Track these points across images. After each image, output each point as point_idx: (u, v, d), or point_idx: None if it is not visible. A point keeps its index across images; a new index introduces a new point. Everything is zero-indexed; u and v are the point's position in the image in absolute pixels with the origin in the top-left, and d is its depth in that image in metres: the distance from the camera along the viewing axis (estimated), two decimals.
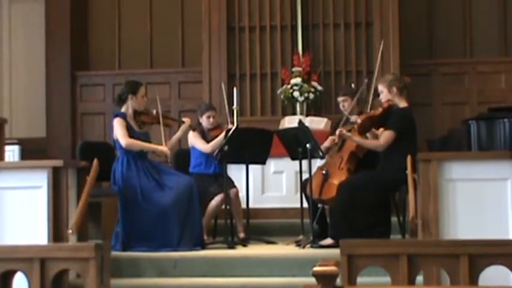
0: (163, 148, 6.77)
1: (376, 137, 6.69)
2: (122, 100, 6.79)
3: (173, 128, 7.39)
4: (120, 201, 6.62)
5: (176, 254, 6.26)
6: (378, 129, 6.69)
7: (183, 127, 7.03)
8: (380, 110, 6.58)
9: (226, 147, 6.79)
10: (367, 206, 6.36)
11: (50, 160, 6.13)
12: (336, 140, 6.77)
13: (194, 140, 7.33)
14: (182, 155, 7.71)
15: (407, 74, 7.43)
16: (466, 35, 9.95)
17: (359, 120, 6.59)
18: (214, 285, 5.79)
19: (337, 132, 6.67)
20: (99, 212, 6.88)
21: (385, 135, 6.49)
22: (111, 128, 6.80)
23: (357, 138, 6.64)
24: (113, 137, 6.78)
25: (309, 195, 6.78)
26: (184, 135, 7.25)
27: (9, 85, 10.34)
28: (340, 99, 7.25)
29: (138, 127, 6.82)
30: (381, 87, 6.62)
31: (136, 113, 6.80)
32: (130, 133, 6.68)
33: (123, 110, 6.78)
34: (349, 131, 6.71)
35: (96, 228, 6.88)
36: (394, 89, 6.56)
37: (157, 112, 6.88)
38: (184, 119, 7.18)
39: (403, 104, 6.59)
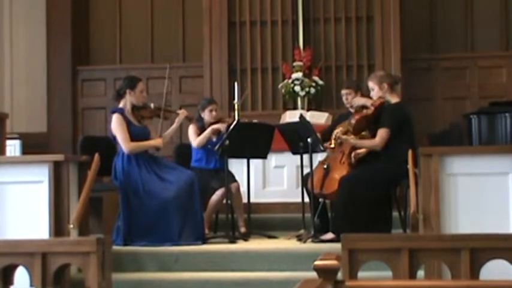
0: (157, 142, 6.79)
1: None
2: (119, 95, 6.79)
3: (173, 120, 7.39)
4: (121, 195, 6.62)
5: (177, 249, 6.27)
6: (374, 128, 6.66)
7: (178, 119, 7.01)
8: (372, 108, 6.57)
9: (227, 142, 6.79)
10: (368, 200, 6.35)
11: (51, 155, 6.12)
12: (332, 145, 6.74)
13: (189, 135, 7.33)
14: (183, 149, 7.71)
15: (408, 69, 7.43)
16: (467, 30, 9.94)
17: (353, 121, 6.61)
18: (215, 279, 5.80)
19: (333, 136, 6.66)
20: (100, 206, 6.88)
21: (380, 134, 6.47)
22: (110, 124, 6.79)
23: (353, 141, 6.63)
24: (112, 133, 6.77)
25: (310, 189, 6.78)
26: (184, 129, 7.23)
27: (10, 80, 10.32)
28: (343, 91, 7.24)
29: (138, 121, 6.81)
30: (372, 84, 6.61)
31: (135, 108, 6.80)
32: (130, 128, 6.67)
33: (121, 105, 6.77)
34: (346, 132, 6.70)
35: (97, 223, 6.88)
36: (385, 85, 6.54)
37: (155, 106, 6.88)
38: (179, 111, 7.17)
39: (394, 99, 6.58)
